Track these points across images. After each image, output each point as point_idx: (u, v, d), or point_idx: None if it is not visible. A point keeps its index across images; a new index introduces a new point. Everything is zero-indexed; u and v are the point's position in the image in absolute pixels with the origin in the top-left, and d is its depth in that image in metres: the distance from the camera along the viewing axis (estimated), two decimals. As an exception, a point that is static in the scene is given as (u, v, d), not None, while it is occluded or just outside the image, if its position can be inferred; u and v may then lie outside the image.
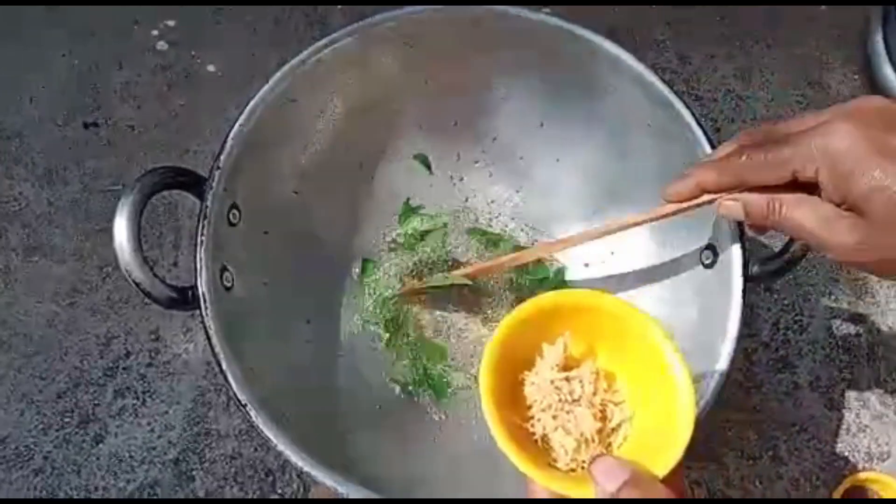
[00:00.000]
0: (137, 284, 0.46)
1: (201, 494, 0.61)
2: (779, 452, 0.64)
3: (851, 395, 0.66)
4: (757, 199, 0.43)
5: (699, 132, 0.52)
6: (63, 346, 0.66)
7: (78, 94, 0.75)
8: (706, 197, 0.45)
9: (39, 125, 0.73)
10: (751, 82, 0.77)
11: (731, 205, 0.44)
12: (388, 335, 0.61)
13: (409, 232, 0.64)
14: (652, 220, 0.49)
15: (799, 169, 0.40)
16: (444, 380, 0.60)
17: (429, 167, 0.65)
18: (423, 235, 0.64)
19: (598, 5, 0.79)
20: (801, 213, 0.41)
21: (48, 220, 0.70)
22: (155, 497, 0.62)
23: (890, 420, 0.65)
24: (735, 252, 0.50)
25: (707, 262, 0.54)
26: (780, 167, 0.41)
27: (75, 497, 0.61)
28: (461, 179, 0.66)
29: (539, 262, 0.63)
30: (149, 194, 0.46)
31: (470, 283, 0.60)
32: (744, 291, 0.49)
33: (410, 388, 0.60)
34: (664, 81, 0.54)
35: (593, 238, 0.53)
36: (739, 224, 0.51)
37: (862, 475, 0.62)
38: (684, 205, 0.46)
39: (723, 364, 0.49)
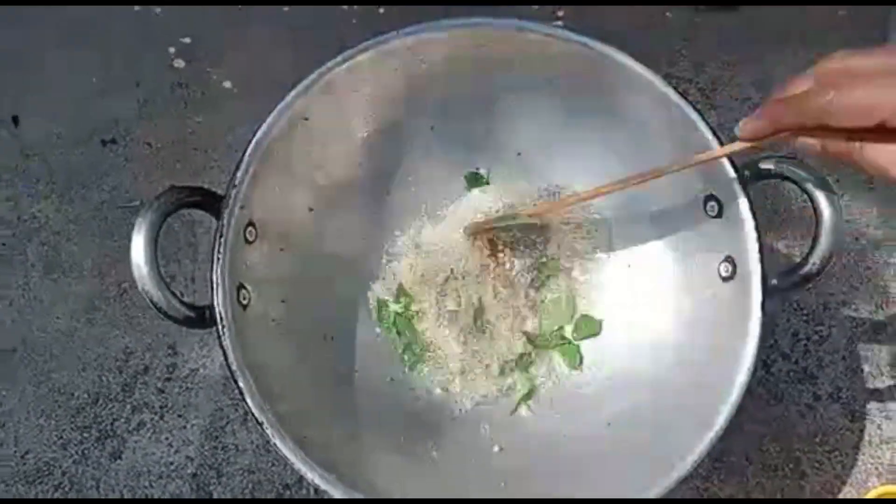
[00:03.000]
0: (154, 304, 0.46)
1: (220, 509, 0.62)
2: (800, 465, 0.63)
3: (873, 406, 0.65)
4: (837, 142, 0.40)
5: (714, 142, 0.52)
6: (82, 361, 0.67)
7: (96, 112, 0.75)
8: (783, 134, 0.43)
9: (59, 143, 0.74)
10: (768, 90, 0.74)
11: (810, 142, 0.42)
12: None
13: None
14: (717, 157, 0.50)
15: (888, 118, 0.37)
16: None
17: (486, 182, 0.65)
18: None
19: (612, 7, 0.79)
20: (887, 157, 0.39)
21: (67, 237, 0.71)
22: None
23: (913, 431, 0.65)
24: (754, 264, 0.50)
25: (725, 274, 0.53)
26: (867, 114, 0.38)
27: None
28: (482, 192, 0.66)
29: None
30: (166, 214, 0.47)
31: (537, 222, 0.61)
32: (763, 304, 0.49)
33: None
34: (678, 92, 0.54)
35: (648, 179, 0.52)
36: (758, 236, 0.50)
37: (883, 487, 0.61)
38: (758, 143, 0.45)
39: (742, 377, 0.49)
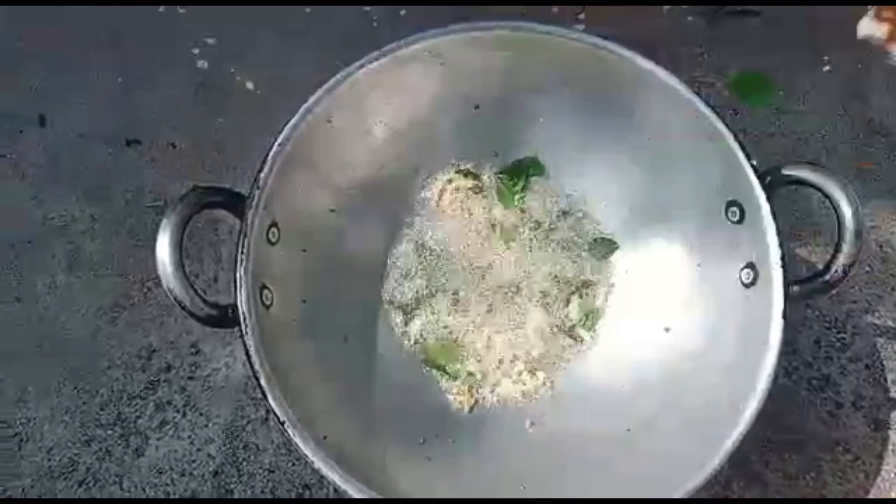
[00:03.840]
0: (179, 303, 0.47)
1: (239, 507, 0.63)
2: (822, 473, 0.63)
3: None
4: None
5: (736, 148, 0.53)
6: (106, 359, 0.67)
7: (120, 112, 0.76)
8: None
9: (84, 143, 0.75)
10: (790, 96, 0.76)
11: None
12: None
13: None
14: None
15: None
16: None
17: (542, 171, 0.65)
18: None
19: (634, 10, 0.79)
20: None
21: (92, 237, 0.72)
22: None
23: (936, 440, 0.64)
24: (776, 271, 0.50)
25: (747, 281, 0.54)
26: None
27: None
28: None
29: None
30: (190, 214, 0.48)
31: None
32: (784, 311, 0.49)
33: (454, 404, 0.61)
34: (700, 97, 0.54)
35: None
36: (780, 242, 0.51)
37: (908, 497, 0.61)
38: None
39: (762, 384, 0.49)
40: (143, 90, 0.77)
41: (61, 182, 0.74)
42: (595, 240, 0.65)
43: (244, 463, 0.64)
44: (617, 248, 0.64)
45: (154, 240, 0.55)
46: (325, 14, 0.80)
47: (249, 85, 0.77)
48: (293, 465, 0.64)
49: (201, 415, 0.65)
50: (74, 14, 0.80)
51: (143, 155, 0.75)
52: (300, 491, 0.63)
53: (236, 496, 0.63)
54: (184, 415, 0.66)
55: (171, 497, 0.63)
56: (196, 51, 0.79)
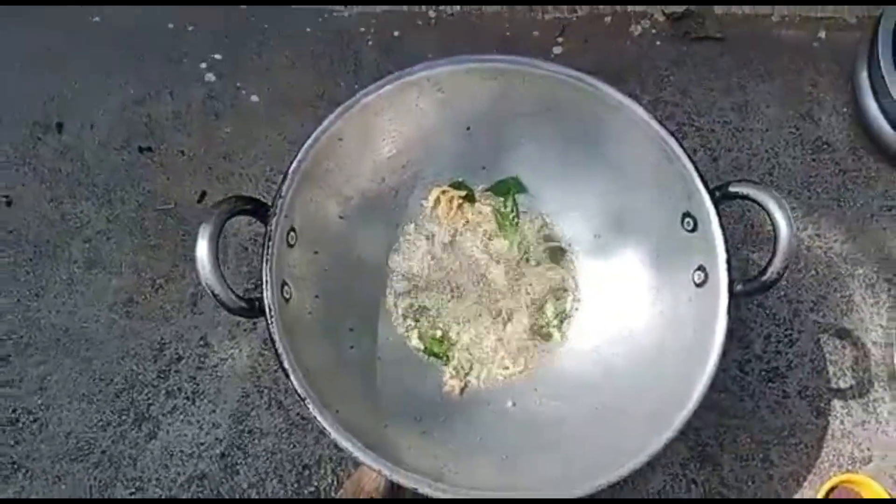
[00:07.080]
0: (216, 297, 0.51)
1: (244, 486, 0.65)
2: (770, 455, 0.67)
3: (837, 403, 0.68)
4: None
5: (691, 167, 0.57)
6: (120, 350, 0.69)
7: (134, 121, 0.78)
8: None
9: (99, 149, 0.77)
10: (747, 115, 0.78)
11: None
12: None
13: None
14: None
15: None
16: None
17: (524, 190, 0.69)
18: None
19: (608, 37, 0.81)
20: None
21: (107, 237, 0.73)
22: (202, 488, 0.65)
23: (871, 427, 0.68)
24: (722, 273, 0.55)
25: (698, 281, 0.58)
26: None
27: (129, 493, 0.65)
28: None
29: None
30: (225, 220, 0.52)
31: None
32: (729, 307, 0.54)
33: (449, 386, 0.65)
34: (662, 123, 0.58)
35: None
36: (727, 248, 0.55)
37: (844, 476, 0.64)
38: None
39: (710, 367, 0.54)
40: (155, 101, 0.79)
41: (79, 186, 0.75)
42: (563, 249, 0.68)
43: (249, 445, 0.66)
44: (580, 258, 0.68)
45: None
46: (324, 33, 0.82)
47: (254, 98, 0.79)
48: (294, 447, 0.66)
49: (209, 402, 0.68)
50: (91, 29, 0.81)
51: (155, 161, 0.76)
52: (300, 471, 0.65)
53: (241, 476, 0.65)
54: (193, 401, 0.68)
55: (182, 475, 0.65)
56: (204, 65, 0.80)
